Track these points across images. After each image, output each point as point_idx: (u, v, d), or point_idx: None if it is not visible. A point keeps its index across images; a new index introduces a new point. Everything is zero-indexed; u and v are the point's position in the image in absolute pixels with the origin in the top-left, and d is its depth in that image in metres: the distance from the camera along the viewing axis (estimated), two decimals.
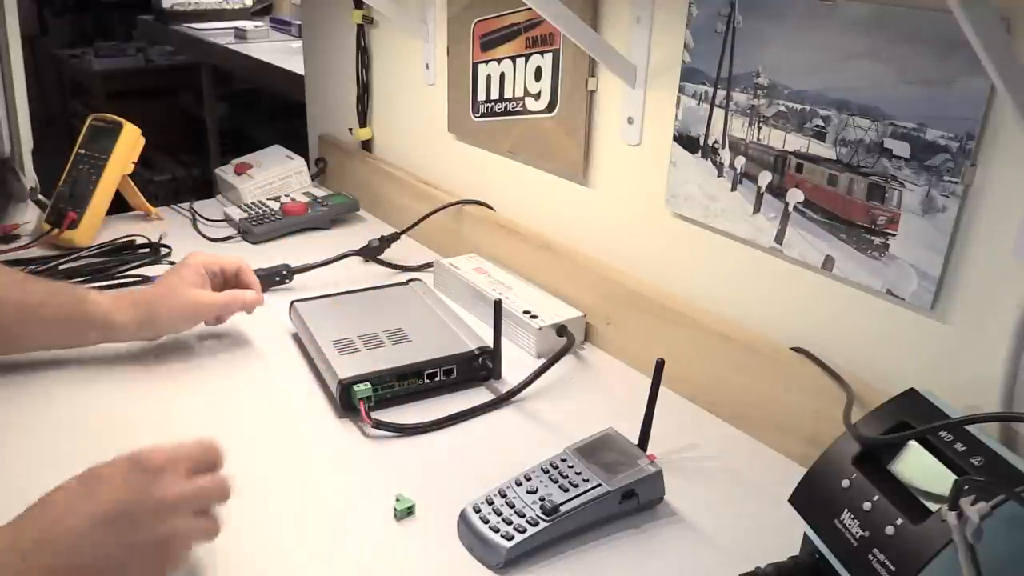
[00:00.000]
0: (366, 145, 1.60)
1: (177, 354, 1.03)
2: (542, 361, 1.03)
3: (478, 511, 0.75)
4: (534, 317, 1.07)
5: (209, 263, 1.03)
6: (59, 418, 0.90)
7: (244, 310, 1.04)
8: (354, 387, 0.90)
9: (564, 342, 1.05)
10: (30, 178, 1.52)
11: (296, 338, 1.07)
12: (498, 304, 0.96)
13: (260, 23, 3.04)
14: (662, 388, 0.82)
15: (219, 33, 2.96)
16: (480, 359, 0.98)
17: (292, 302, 1.08)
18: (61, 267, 1.21)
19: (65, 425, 0.88)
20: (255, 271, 1.19)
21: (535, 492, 0.76)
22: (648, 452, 0.81)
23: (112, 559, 0.60)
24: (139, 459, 0.64)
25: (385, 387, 0.93)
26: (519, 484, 0.77)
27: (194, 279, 1.00)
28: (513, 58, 1.19)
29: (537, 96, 1.16)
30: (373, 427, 0.89)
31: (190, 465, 0.65)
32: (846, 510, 0.62)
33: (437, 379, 0.96)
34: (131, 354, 1.01)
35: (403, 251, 1.34)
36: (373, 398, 0.91)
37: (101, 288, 1.18)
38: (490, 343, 0.99)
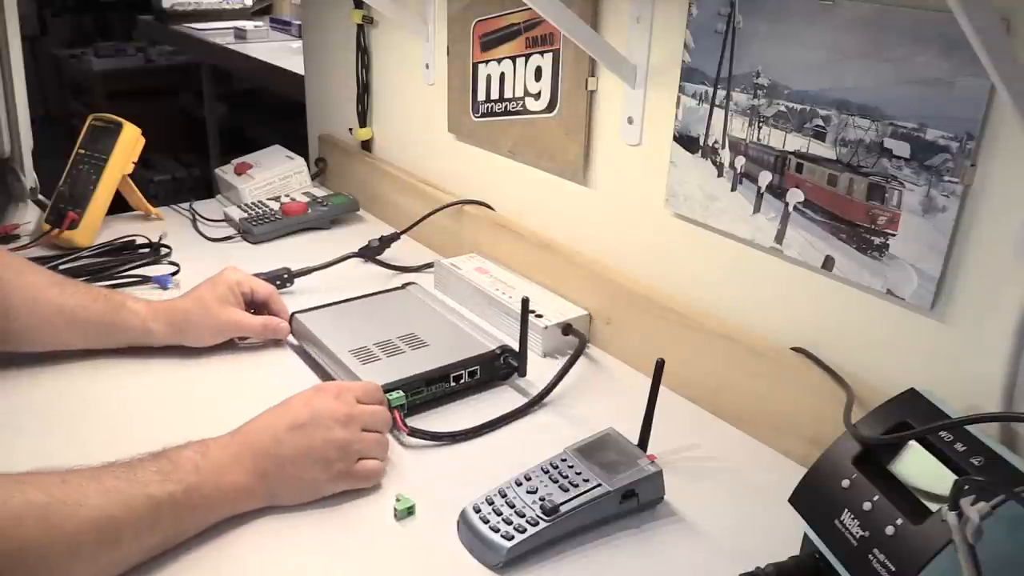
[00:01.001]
0: (366, 145, 1.60)
1: (175, 373, 1.01)
2: (547, 360, 1.04)
3: (478, 511, 0.75)
4: (539, 316, 1.07)
5: (243, 283, 1.06)
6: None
7: (274, 337, 1.07)
8: (387, 396, 0.89)
9: (569, 340, 1.06)
10: (30, 178, 1.52)
11: (299, 350, 1.06)
12: (525, 301, 0.96)
13: (260, 23, 3.04)
14: (662, 388, 0.82)
15: (219, 33, 2.96)
16: (502, 358, 0.98)
17: (293, 314, 1.07)
18: (61, 267, 1.21)
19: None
20: (255, 273, 1.20)
21: (535, 492, 0.76)
22: (648, 452, 0.81)
23: (312, 452, 0.77)
24: (320, 387, 0.84)
25: (415, 393, 0.92)
26: (519, 484, 0.77)
27: (228, 297, 1.04)
28: (513, 58, 1.19)
29: (537, 96, 1.16)
30: (409, 435, 0.88)
31: (360, 395, 0.82)
32: (846, 510, 0.62)
33: (462, 381, 0.96)
34: (125, 371, 1.00)
35: (403, 251, 1.34)
36: (406, 405, 0.90)
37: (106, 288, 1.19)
38: (504, 342, 1.00)
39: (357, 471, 0.79)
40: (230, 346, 1.06)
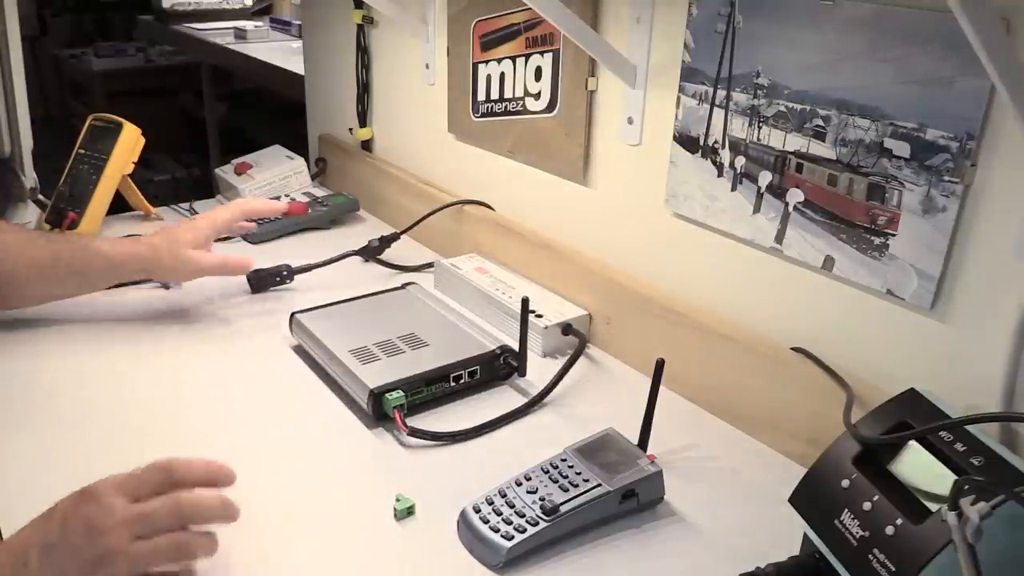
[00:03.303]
0: (366, 145, 1.60)
1: (177, 366, 1.01)
2: (547, 360, 1.04)
3: (478, 511, 0.75)
4: (539, 316, 1.07)
5: (213, 225, 1.10)
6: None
7: (234, 275, 1.11)
8: (387, 396, 0.89)
9: (569, 340, 1.06)
10: (30, 178, 1.52)
11: (299, 350, 1.06)
12: (525, 301, 0.97)
13: (260, 23, 3.04)
14: (662, 388, 0.82)
15: (219, 33, 2.96)
16: (502, 358, 0.98)
17: (292, 314, 1.07)
18: None
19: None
20: (255, 270, 1.20)
21: (535, 492, 0.76)
22: (648, 452, 0.81)
23: None
24: (86, 489, 0.65)
25: (415, 393, 0.92)
26: (519, 484, 0.77)
27: (195, 240, 1.07)
28: (513, 58, 1.19)
29: (537, 96, 1.16)
30: (409, 435, 0.88)
31: (141, 489, 0.66)
32: (846, 510, 0.62)
33: (462, 381, 0.96)
34: (122, 370, 1.00)
35: (403, 251, 1.34)
36: (405, 405, 0.90)
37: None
38: (504, 342, 1.00)
39: None
40: (230, 346, 1.06)
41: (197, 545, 0.66)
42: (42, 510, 0.66)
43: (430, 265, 1.29)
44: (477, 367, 0.97)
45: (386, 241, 1.32)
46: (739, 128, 0.91)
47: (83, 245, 1.04)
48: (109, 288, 1.09)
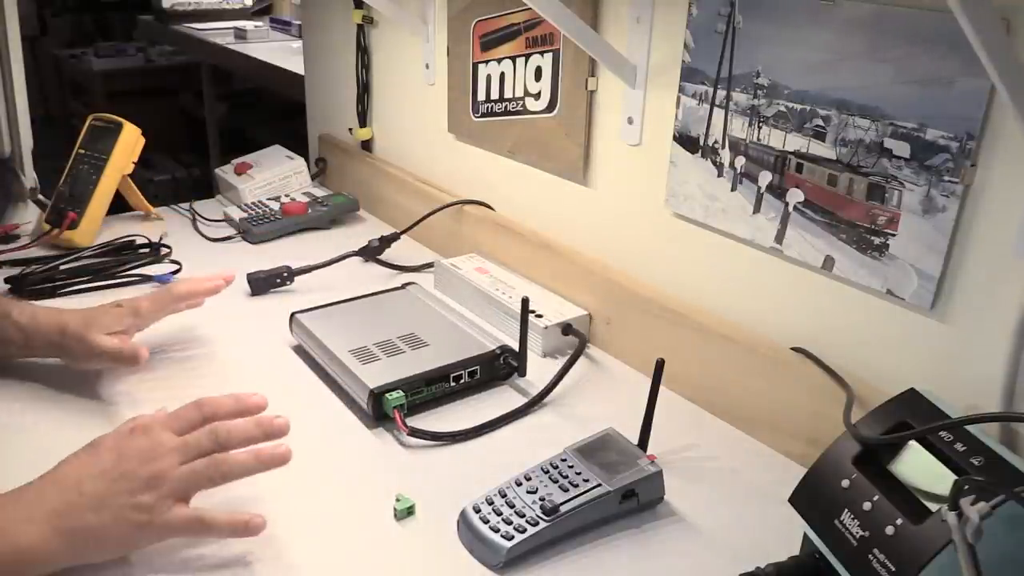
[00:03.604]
0: (366, 145, 1.60)
1: (177, 367, 1.01)
2: (547, 360, 1.03)
3: (478, 511, 0.75)
4: (539, 316, 1.07)
5: (134, 312, 0.98)
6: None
7: (127, 367, 0.97)
8: (387, 396, 0.89)
9: (569, 340, 1.06)
10: (30, 178, 1.52)
11: (299, 350, 1.06)
12: (525, 301, 0.97)
13: (260, 23, 3.04)
14: (662, 388, 0.82)
15: (219, 33, 2.96)
16: (502, 358, 0.98)
17: (292, 314, 1.07)
18: (61, 267, 1.21)
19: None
20: (255, 272, 1.20)
21: (535, 492, 0.76)
22: (648, 452, 0.81)
23: (115, 498, 0.67)
24: (133, 422, 0.73)
25: (415, 393, 0.93)
26: (519, 484, 0.77)
27: (109, 325, 0.96)
28: (513, 58, 1.19)
29: (537, 96, 1.16)
30: (409, 435, 0.88)
31: (183, 424, 0.73)
32: (846, 510, 0.62)
33: (462, 381, 0.96)
34: (122, 370, 0.99)
35: (403, 251, 1.34)
36: (405, 405, 0.90)
37: (102, 287, 1.19)
38: (504, 342, 1.00)
39: (170, 520, 0.68)
40: (230, 346, 1.06)
41: (234, 462, 0.71)
42: None
43: (430, 265, 1.29)
44: (477, 367, 0.97)
45: (386, 241, 1.32)
46: (739, 128, 0.91)
47: (4, 312, 0.95)
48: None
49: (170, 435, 0.72)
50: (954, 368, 0.77)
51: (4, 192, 1.51)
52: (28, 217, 1.44)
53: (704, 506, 0.80)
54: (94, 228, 1.33)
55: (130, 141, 1.37)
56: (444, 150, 1.39)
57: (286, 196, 1.51)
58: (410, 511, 0.78)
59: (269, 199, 1.50)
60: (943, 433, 0.62)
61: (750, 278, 0.94)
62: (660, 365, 0.81)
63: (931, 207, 0.76)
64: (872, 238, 0.81)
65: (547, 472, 0.78)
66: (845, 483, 0.63)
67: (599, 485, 0.76)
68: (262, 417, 0.75)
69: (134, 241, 1.31)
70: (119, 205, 1.41)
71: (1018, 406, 0.71)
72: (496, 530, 0.73)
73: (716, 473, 0.86)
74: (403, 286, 1.16)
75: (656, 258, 1.05)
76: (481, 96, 1.26)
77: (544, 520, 0.73)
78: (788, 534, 0.69)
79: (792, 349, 0.88)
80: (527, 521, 0.73)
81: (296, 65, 2.07)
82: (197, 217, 1.46)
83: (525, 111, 1.19)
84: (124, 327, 0.97)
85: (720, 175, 0.94)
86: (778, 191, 0.89)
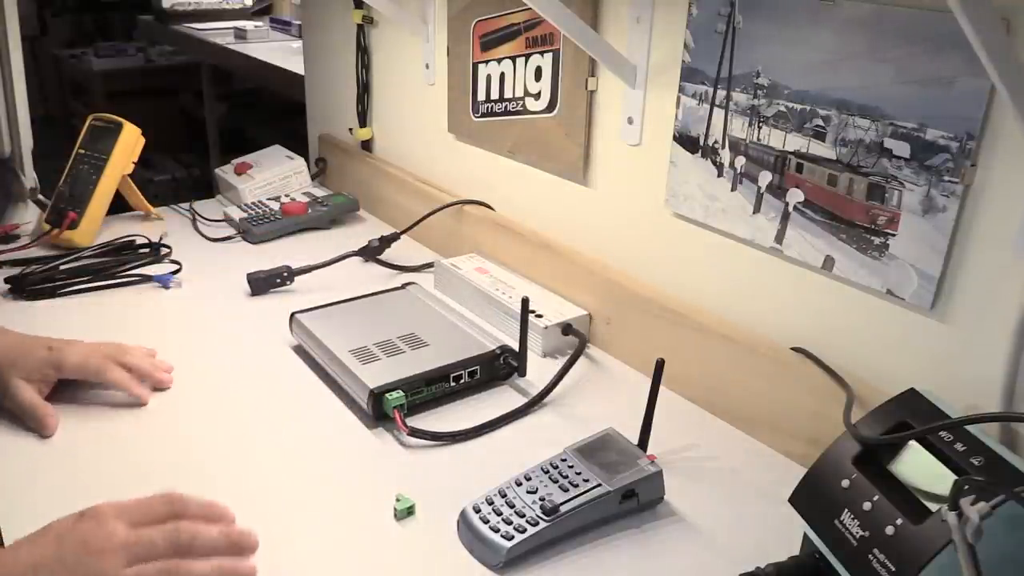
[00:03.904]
0: (366, 145, 1.60)
1: (176, 367, 1.00)
2: (547, 360, 1.03)
3: (478, 511, 0.75)
4: (539, 316, 1.07)
5: (58, 367, 0.92)
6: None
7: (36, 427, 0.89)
8: (387, 395, 0.89)
9: (569, 340, 1.06)
10: (30, 178, 1.52)
11: (299, 350, 1.06)
12: (525, 301, 0.97)
13: (260, 23, 3.04)
14: (662, 388, 0.82)
15: (219, 33, 2.96)
16: (502, 358, 0.98)
17: (292, 314, 1.07)
18: (61, 267, 1.21)
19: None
20: (255, 272, 1.20)
21: (535, 492, 0.76)
22: (648, 452, 0.81)
23: None
24: (88, 510, 0.65)
25: (415, 393, 0.93)
26: (519, 484, 0.77)
27: (31, 371, 0.91)
28: (513, 58, 1.19)
29: (537, 96, 1.16)
30: (409, 435, 0.88)
31: (144, 516, 0.65)
32: (846, 510, 0.62)
33: (462, 381, 0.96)
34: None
35: (403, 251, 1.34)
36: (405, 405, 0.90)
37: (102, 287, 1.19)
38: (504, 342, 1.00)
39: None
40: (230, 346, 1.06)
41: (188, 573, 0.64)
42: (37, 512, 0.65)
43: (430, 265, 1.29)
44: (477, 367, 0.97)
45: (386, 241, 1.32)
46: (739, 128, 0.91)
47: None
48: None
49: (123, 527, 0.63)
50: (954, 368, 0.77)
51: (4, 192, 1.51)
52: (28, 217, 1.44)
53: (704, 506, 0.80)
54: (94, 228, 1.33)
55: (130, 141, 1.37)
56: (444, 150, 1.39)
57: (286, 196, 1.51)
58: (410, 511, 0.78)
59: (269, 199, 1.50)
60: (943, 433, 0.62)
61: (750, 278, 0.94)
62: (660, 365, 0.81)
63: (931, 207, 0.76)
64: (872, 238, 0.81)
65: (547, 472, 0.78)
66: (845, 483, 0.63)
67: (599, 485, 0.76)
68: (232, 527, 0.68)
69: (134, 241, 1.31)
70: (119, 205, 1.41)
71: (1018, 406, 0.71)
72: (496, 530, 0.73)
73: (716, 473, 0.86)
74: (403, 286, 1.16)
75: (656, 258, 1.05)
76: (481, 96, 1.26)
77: (544, 520, 0.73)
78: (788, 534, 0.69)
79: (792, 349, 0.88)
80: (527, 521, 0.73)
81: (296, 65, 2.07)
82: (197, 217, 1.46)
83: (525, 111, 1.19)
84: (42, 376, 0.91)
85: (720, 175, 0.94)
86: (778, 191, 0.89)
